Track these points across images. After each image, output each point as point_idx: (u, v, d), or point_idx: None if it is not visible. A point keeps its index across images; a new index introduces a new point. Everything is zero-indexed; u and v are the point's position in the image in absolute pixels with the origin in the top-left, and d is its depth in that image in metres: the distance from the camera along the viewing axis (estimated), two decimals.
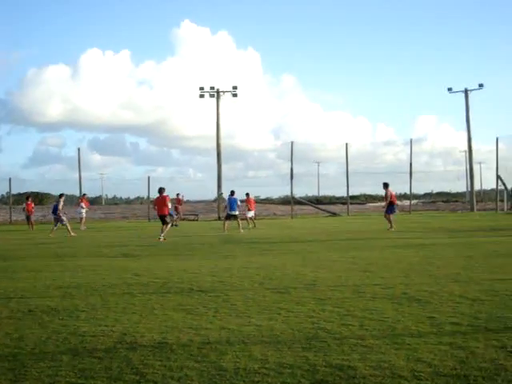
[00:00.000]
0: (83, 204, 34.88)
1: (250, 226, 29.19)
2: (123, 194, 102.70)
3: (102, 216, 58.74)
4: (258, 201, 75.13)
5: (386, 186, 24.89)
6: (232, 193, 27.27)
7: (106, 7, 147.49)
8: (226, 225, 25.98)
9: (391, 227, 23.91)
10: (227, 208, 27.03)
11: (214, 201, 58.21)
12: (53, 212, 27.63)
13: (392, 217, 24.48)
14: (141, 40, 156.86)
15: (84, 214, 34.32)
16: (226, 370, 4.87)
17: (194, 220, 45.98)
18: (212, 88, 49.89)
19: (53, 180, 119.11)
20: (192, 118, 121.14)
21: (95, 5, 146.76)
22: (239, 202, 27.52)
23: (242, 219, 27.35)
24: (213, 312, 7.35)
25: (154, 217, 47.80)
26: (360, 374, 4.69)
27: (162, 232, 21.45)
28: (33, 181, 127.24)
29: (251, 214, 30.92)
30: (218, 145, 49.53)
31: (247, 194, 31.73)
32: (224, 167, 50.88)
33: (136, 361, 5.17)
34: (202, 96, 50.25)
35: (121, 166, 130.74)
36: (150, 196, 51.44)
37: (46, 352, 5.57)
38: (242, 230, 25.41)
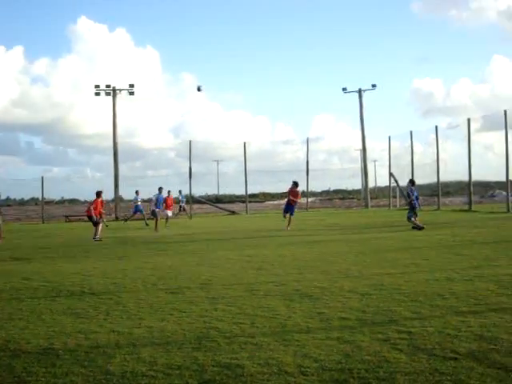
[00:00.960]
0: None
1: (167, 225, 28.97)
2: (17, 195, 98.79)
3: None
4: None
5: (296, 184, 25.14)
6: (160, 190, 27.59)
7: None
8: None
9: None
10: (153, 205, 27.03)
11: (112, 201, 57.17)
12: None
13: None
14: (36, 36, 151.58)
15: None
16: (113, 373, 4.79)
17: (87, 221, 44.86)
18: (108, 86, 48.90)
19: None
20: (89, 116, 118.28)
21: None
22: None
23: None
24: (104, 315, 7.22)
25: (48, 218, 46.55)
26: (248, 372, 4.72)
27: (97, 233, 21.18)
28: None
29: (170, 213, 30.76)
30: (115, 143, 48.62)
31: (169, 192, 31.52)
32: (123, 166, 50.20)
33: (19, 368, 4.99)
34: (97, 94, 49.18)
35: (14, 166, 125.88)
36: (46, 197, 50.05)
37: None
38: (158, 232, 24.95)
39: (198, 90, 19.43)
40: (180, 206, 41.11)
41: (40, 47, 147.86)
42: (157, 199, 27.01)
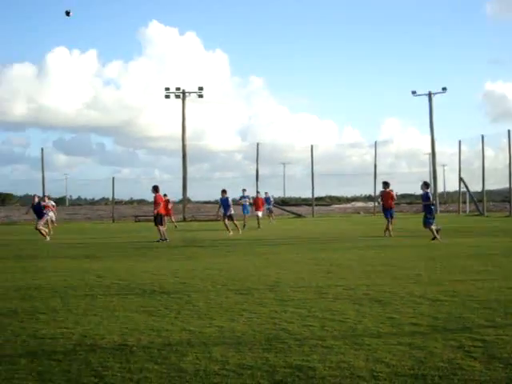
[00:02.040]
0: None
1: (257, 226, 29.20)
2: (88, 194, 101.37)
3: (66, 217, 58.01)
4: None
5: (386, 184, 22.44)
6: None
7: (73, 6, 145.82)
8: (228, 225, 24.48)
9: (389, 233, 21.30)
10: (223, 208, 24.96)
11: (180, 202, 57.99)
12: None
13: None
14: (108, 40, 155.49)
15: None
16: (186, 371, 4.86)
17: (138, 221, 45.66)
18: (178, 89, 49.68)
19: (16, 180, 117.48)
20: (158, 118, 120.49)
21: (64, 4, 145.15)
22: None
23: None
24: (175, 313, 7.32)
25: (118, 218, 47.57)
26: (319, 374, 4.72)
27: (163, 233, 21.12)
28: None
29: (260, 213, 30.75)
30: (184, 146, 49.33)
31: (258, 192, 31.69)
32: (190, 168, 50.86)
33: (95, 363, 5.12)
34: (167, 97, 50.02)
35: (86, 167, 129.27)
36: (116, 197, 51.20)
37: (3, 355, 5.49)
38: (232, 232, 23.87)
39: (67, 14, 18.49)
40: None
41: (112, 51, 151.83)
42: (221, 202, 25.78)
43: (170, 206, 33.07)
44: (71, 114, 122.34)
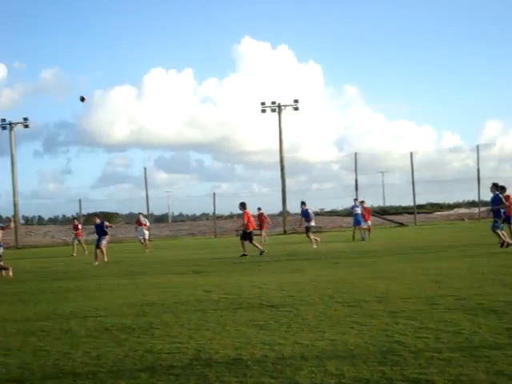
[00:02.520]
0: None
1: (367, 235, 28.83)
2: (189, 210, 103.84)
3: (170, 233, 59.53)
4: (323, 213, 74.80)
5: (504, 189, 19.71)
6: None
7: (168, 27, 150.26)
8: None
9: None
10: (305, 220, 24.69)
11: (279, 215, 58.23)
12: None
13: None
14: (203, 58, 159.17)
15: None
16: None
17: (258, 235, 46.07)
18: (273, 103, 50.14)
19: (121, 199, 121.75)
20: (255, 132, 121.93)
21: (158, 26, 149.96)
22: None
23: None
24: (285, 327, 7.35)
25: (220, 233, 48.31)
26: None
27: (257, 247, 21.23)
28: (101, 200, 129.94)
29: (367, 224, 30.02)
30: (282, 159, 49.64)
31: (362, 202, 30.89)
32: (288, 180, 50.99)
33: (212, 377, 5.21)
34: (263, 111, 50.55)
35: (186, 183, 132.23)
36: (216, 212, 52.06)
37: (124, 370, 5.68)
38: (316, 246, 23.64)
39: (82, 100, 18.67)
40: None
41: (207, 68, 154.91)
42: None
43: (264, 220, 33.30)
44: (170, 132, 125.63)
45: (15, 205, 51.74)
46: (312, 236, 24.40)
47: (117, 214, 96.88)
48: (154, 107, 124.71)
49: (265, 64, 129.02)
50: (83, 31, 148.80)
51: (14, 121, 53.90)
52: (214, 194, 49.85)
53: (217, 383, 5.04)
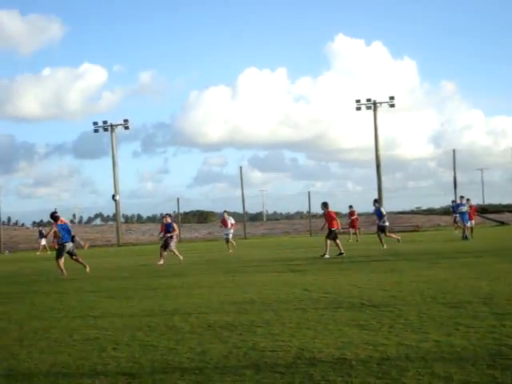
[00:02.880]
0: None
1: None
2: (283, 209, 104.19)
3: (265, 232, 60.01)
4: (420, 212, 73.33)
5: None
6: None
7: (261, 28, 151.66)
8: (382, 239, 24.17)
9: None
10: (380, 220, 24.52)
11: (374, 213, 57.47)
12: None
13: None
14: (296, 57, 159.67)
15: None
16: None
17: (354, 234, 45.65)
18: (368, 100, 49.64)
19: (216, 198, 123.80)
20: (349, 130, 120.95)
21: (251, 27, 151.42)
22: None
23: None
24: (387, 327, 7.26)
25: (315, 231, 48.24)
26: None
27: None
28: (197, 200, 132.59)
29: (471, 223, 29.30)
30: (377, 156, 49.07)
31: (468, 200, 29.86)
32: (383, 178, 50.26)
33: (317, 376, 5.22)
34: (358, 108, 50.16)
35: (280, 182, 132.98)
36: (311, 211, 52.03)
37: (229, 366, 5.78)
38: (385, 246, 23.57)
39: (113, 198, 18.50)
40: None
41: (301, 67, 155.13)
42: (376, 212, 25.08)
43: (354, 218, 32.96)
44: (264, 131, 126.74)
45: (117, 204, 53.55)
46: (393, 235, 24.76)
47: (212, 212, 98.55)
48: (248, 107, 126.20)
49: (359, 61, 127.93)
50: (179, 34, 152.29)
51: (114, 123, 55.87)
52: (308, 192, 49.90)
53: (322, 382, 5.05)
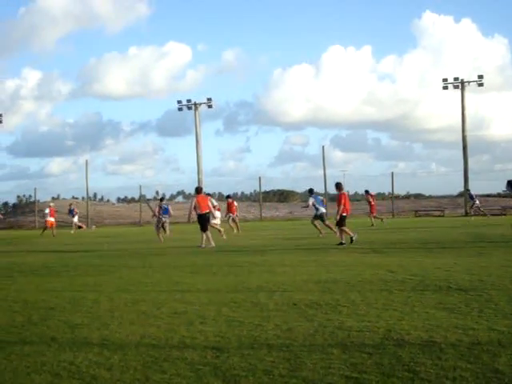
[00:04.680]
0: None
1: None
2: (364, 189, 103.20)
3: (352, 212, 59.53)
4: (507, 195, 70.94)
5: None
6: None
7: (346, 4, 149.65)
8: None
9: None
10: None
11: (459, 196, 56.17)
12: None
13: None
14: (382, 35, 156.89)
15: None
16: (503, 373, 4.67)
17: (439, 216, 44.85)
18: (456, 79, 48.30)
19: (297, 178, 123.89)
20: (435, 110, 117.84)
21: (335, 3, 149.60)
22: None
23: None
24: (477, 312, 7.09)
25: (397, 213, 47.51)
26: None
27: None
28: (278, 179, 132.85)
29: None
30: (464, 137, 47.77)
31: None
32: (469, 160, 48.82)
33: (406, 358, 5.16)
34: (445, 88, 48.90)
35: (362, 162, 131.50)
36: (395, 192, 51.27)
37: (315, 345, 5.78)
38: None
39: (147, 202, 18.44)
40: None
41: (386, 45, 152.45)
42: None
43: (373, 203, 32.09)
44: (347, 111, 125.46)
45: (199, 182, 54.35)
46: (333, 228, 22.36)
47: (293, 191, 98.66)
48: (331, 85, 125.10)
49: (447, 39, 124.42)
50: (263, 12, 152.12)
51: (198, 101, 56.52)
52: (392, 173, 49.14)
53: (411, 364, 4.98)
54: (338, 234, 19.55)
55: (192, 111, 56.68)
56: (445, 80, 48.69)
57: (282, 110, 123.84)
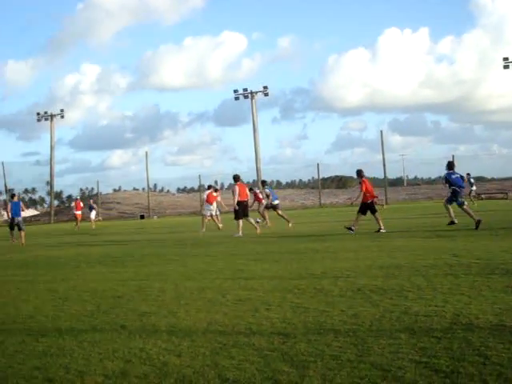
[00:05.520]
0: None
1: None
2: (424, 174, 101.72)
3: (406, 197, 58.96)
4: None
5: None
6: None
7: None
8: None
9: None
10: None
11: None
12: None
13: None
14: (439, 16, 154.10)
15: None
16: None
17: (502, 198, 43.87)
18: None
19: (355, 163, 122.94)
20: (496, 90, 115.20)
21: None
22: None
23: None
24: None
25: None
26: None
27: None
28: (336, 165, 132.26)
29: None
30: None
31: None
32: None
33: (476, 342, 5.08)
34: (506, 67, 47.63)
35: (421, 146, 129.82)
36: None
37: (382, 330, 5.75)
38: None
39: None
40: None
41: (444, 26, 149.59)
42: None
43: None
44: (405, 94, 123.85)
45: (257, 170, 54.57)
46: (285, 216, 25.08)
47: (351, 177, 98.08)
48: (388, 69, 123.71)
49: (507, 16, 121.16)
50: None
51: (254, 90, 56.63)
52: (452, 156, 48.15)
53: (482, 348, 4.91)
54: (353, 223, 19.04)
55: (248, 100, 56.94)
56: (506, 59, 47.47)
57: (339, 95, 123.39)
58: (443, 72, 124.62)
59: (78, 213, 39.09)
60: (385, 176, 49.18)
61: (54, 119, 65.46)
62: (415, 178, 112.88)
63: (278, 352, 5.18)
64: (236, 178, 21.84)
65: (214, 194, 26.32)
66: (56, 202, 75.09)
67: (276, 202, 25.81)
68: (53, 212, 66.88)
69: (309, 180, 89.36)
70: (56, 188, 70.14)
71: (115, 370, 4.99)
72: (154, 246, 17.94)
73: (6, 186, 60.66)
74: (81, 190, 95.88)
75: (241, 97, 57.16)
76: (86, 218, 45.65)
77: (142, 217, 43.51)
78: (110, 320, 7.02)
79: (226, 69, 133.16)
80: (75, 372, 4.99)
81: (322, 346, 5.26)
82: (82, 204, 40.91)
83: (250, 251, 14.23)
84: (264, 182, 27.65)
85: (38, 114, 66.31)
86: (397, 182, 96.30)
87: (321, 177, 55.94)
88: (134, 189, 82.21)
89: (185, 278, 10.10)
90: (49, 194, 67.00)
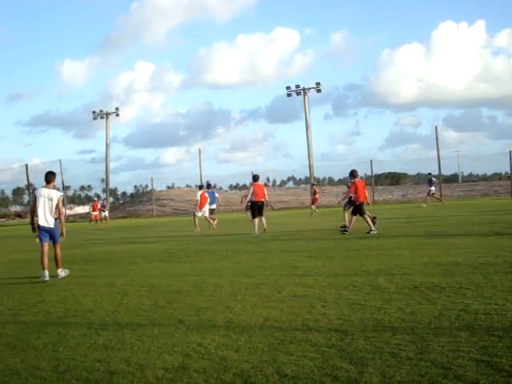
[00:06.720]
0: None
1: None
2: (480, 170, 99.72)
3: (461, 194, 57.94)
4: None
5: None
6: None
7: None
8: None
9: None
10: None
11: None
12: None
13: None
14: (496, 8, 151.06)
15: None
16: None
17: None
18: None
19: (408, 159, 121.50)
20: None
21: None
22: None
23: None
24: None
25: None
26: None
27: None
28: (389, 161, 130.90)
29: None
30: None
31: None
32: None
33: None
34: None
35: (477, 142, 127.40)
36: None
37: (441, 327, 5.68)
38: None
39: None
40: None
41: (501, 19, 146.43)
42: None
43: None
44: (459, 89, 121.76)
45: (310, 167, 54.43)
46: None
47: (405, 174, 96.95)
48: (443, 63, 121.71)
49: None
50: None
51: (306, 86, 56.46)
52: (510, 152, 47.03)
53: None
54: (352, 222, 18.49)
55: (301, 96, 56.78)
56: None
57: (392, 91, 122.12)
58: (500, 66, 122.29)
59: (95, 213, 43.05)
60: (439, 172, 48.38)
61: (109, 117, 66.47)
62: (470, 174, 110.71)
63: (336, 348, 5.17)
64: (255, 178, 21.65)
65: (215, 194, 27.25)
66: (111, 199, 76.45)
67: (214, 206, 26.93)
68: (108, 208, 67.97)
69: (361, 176, 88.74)
70: (111, 185, 71.22)
71: (174, 363, 5.06)
72: (207, 243, 18.08)
73: (63, 183, 61.87)
74: (135, 186, 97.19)
75: (293, 93, 57.03)
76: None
77: (96, 220, 45.76)
78: (167, 315, 7.12)
79: (279, 65, 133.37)
80: (136, 365, 5.08)
81: (380, 344, 5.23)
82: (99, 205, 44.30)
83: (303, 248, 14.20)
84: (208, 186, 28.50)
85: (94, 112, 67.43)
86: (452, 179, 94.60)
87: (374, 173, 55.36)
88: (187, 185, 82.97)
89: (240, 274, 10.16)
90: (104, 191, 68.07)
